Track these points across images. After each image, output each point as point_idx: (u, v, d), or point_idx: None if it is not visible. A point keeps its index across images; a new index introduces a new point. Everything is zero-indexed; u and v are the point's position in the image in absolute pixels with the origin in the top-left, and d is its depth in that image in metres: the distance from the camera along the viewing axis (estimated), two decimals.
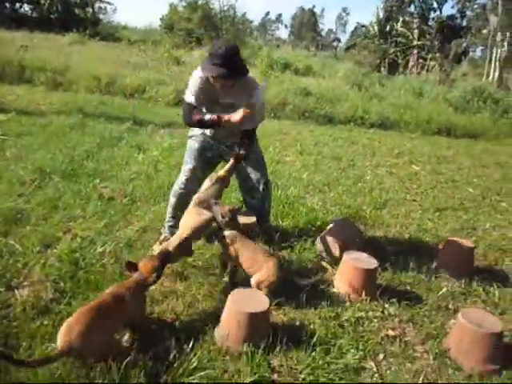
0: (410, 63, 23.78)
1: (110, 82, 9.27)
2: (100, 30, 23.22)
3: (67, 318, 1.87)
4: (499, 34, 20.45)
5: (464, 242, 3.21)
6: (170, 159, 5.02)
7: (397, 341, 2.39)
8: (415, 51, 24.35)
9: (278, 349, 2.15)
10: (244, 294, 2.30)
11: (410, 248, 3.48)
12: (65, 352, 1.77)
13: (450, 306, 2.78)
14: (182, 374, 1.95)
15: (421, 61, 24.16)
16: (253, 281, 2.53)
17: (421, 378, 2.16)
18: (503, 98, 11.54)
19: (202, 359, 2.05)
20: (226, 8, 22.66)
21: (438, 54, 24.34)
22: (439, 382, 2.16)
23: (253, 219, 3.15)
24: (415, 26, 26.79)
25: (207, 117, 2.75)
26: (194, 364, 2.00)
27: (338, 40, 73.76)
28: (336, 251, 3.08)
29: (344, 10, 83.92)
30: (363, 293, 2.68)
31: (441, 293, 2.89)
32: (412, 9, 29.21)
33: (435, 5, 29.08)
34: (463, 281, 3.04)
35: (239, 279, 2.67)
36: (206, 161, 3.11)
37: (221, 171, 2.95)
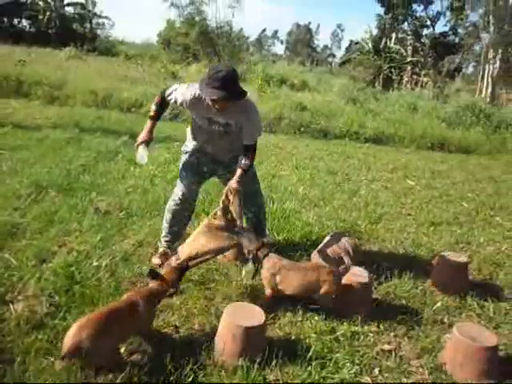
0: (405, 79, 24.08)
1: (106, 96, 9.33)
2: (97, 44, 23.50)
3: (63, 332, 1.86)
4: (491, 50, 20.77)
5: (458, 257, 3.23)
6: (166, 173, 5.05)
7: (392, 355, 2.39)
8: (409, 67, 24.68)
9: (273, 363, 2.15)
10: (240, 308, 2.30)
11: (404, 262, 3.49)
12: (71, 353, 1.75)
13: (445, 321, 2.79)
14: None
15: (415, 77, 24.47)
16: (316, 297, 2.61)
17: None
18: (495, 113, 11.67)
19: (198, 373, 2.04)
20: (222, 24, 22.92)
21: (431, 71, 24.71)
22: None
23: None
24: (409, 43, 27.26)
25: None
26: (190, 379, 2.00)
27: (333, 56, 74.71)
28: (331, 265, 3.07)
29: (339, 26, 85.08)
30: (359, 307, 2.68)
31: (436, 307, 2.90)
32: (405, 26, 29.82)
33: (428, 22, 29.71)
34: (458, 295, 3.05)
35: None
36: (201, 176, 3.14)
37: (233, 183, 2.80)
